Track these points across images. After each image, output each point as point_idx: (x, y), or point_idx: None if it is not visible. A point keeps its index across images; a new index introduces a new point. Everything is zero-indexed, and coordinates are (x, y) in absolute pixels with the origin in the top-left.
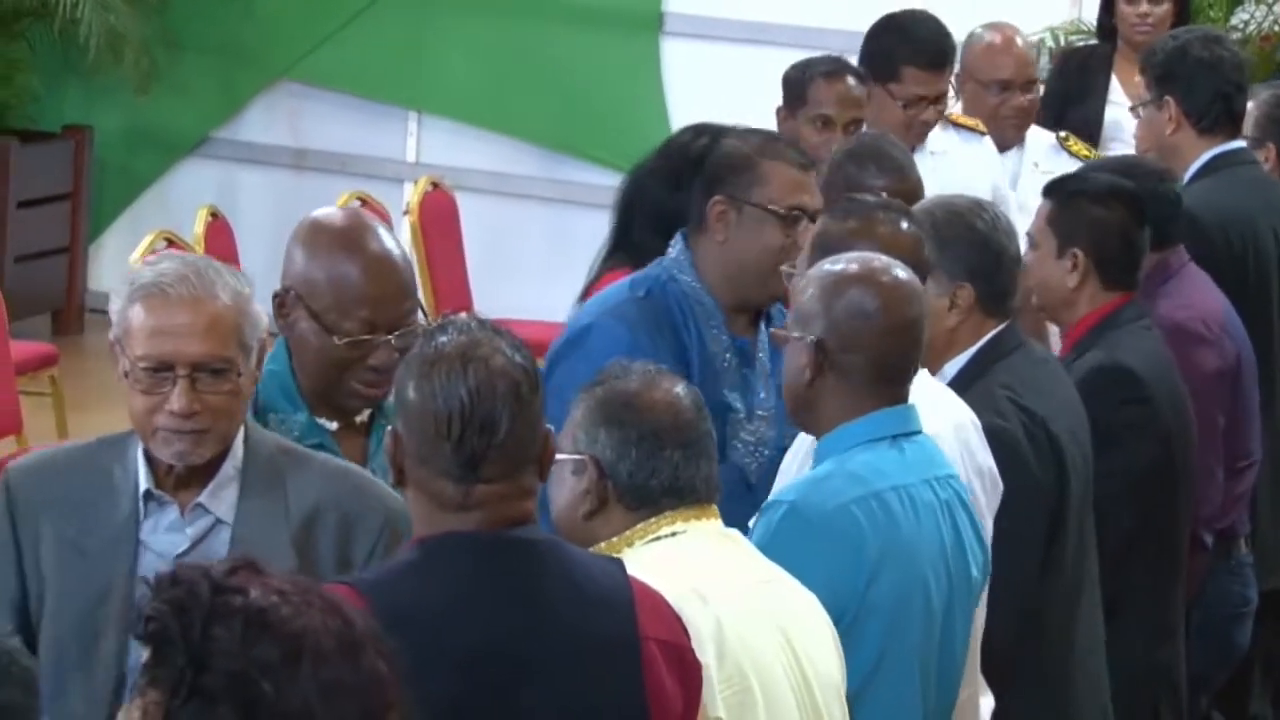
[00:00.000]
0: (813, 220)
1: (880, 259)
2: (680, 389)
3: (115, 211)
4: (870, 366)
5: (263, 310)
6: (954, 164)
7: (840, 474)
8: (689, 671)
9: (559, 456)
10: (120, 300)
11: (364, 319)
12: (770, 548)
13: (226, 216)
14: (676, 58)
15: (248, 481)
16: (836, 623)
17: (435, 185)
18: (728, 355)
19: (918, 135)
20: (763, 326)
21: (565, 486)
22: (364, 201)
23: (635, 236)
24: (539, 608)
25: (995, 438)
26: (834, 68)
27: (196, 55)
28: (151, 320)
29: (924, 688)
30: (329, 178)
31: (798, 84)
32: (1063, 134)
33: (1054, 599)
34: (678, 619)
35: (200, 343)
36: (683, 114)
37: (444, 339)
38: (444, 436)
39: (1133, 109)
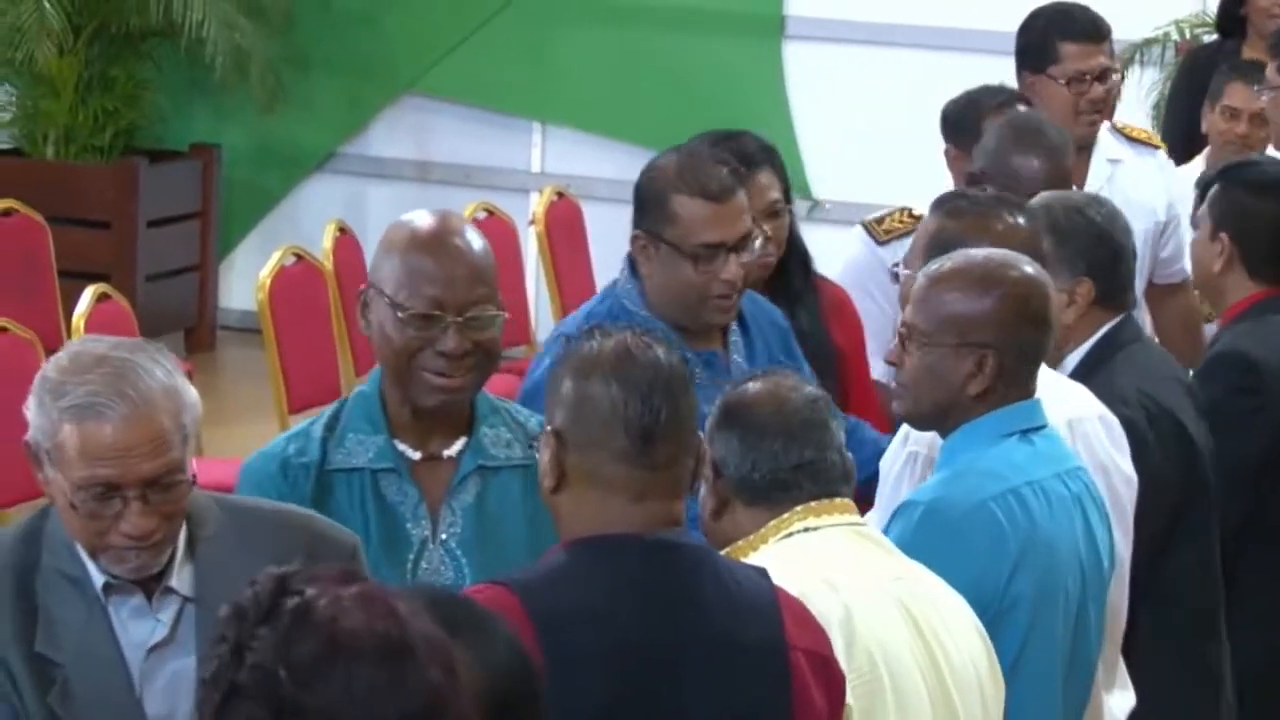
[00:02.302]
0: (732, 250)
1: (1010, 256)
2: (795, 385)
3: (244, 229)
4: (1031, 364)
5: (191, 394)
6: (1129, 173)
7: (975, 471)
8: (834, 682)
9: None
10: (42, 411)
11: (431, 297)
12: (910, 549)
13: (354, 231)
14: (799, 61)
15: (200, 553)
16: (979, 619)
17: (560, 195)
18: (695, 371)
19: (1088, 123)
20: (735, 329)
21: (701, 494)
22: (490, 213)
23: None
24: (691, 611)
25: (1128, 427)
26: (1004, 99)
27: (321, 72)
28: (92, 445)
29: (1062, 682)
30: (454, 190)
31: (967, 121)
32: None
33: (1189, 587)
34: (822, 630)
35: (149, 460)
36: (806, 117)
37: (598, 342)
38: (619, 415)
39: (1260, 94)
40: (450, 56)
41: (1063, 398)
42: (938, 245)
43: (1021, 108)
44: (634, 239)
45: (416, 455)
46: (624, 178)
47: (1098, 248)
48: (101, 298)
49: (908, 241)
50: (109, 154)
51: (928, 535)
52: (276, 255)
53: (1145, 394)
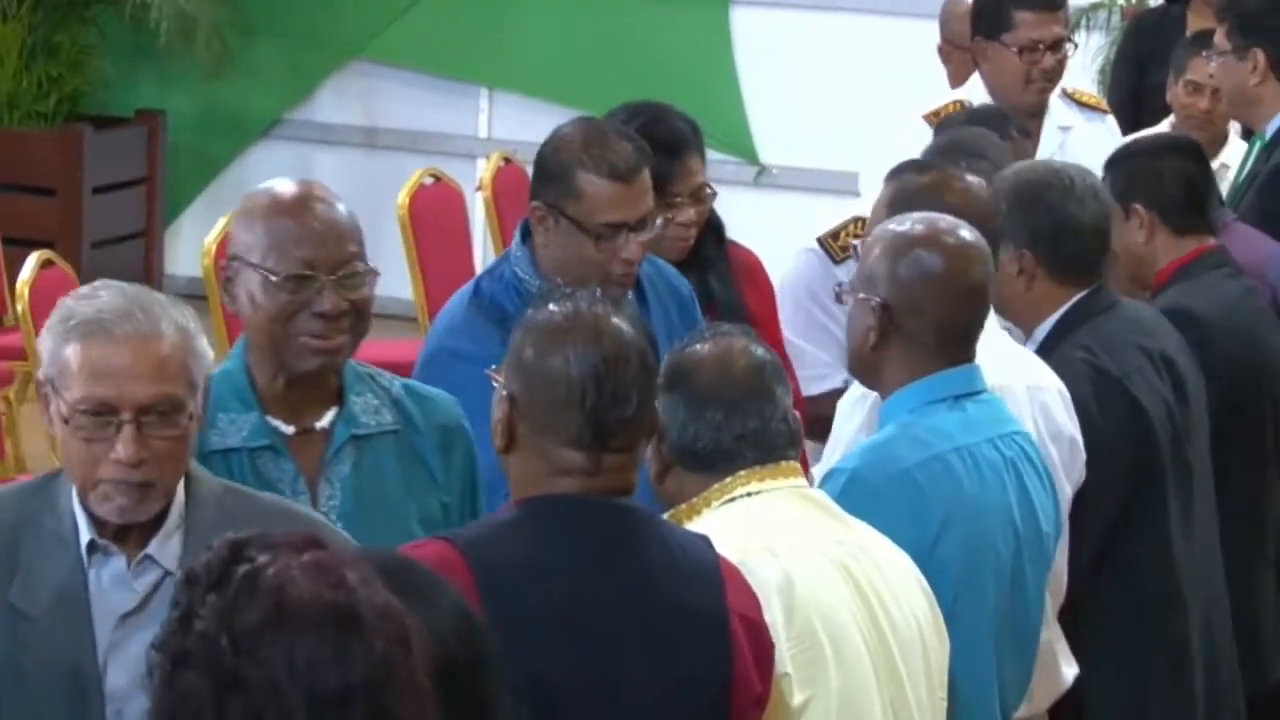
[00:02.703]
0: (633, 230)
1: (946, 219)
2: (743, 347)
3: (190, 195)
4: (935, 330)
5: (208, 350)
6: (1080, 139)
7: (900, 439)
8: (764, 649)
9: None
10: (52, 336)
11: (302, 258)
12: None
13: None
14: (746, 26)
15: (193, 529)
16: None
17: (508, 160)
18: None
19: (1038, 91)
20: (631, 296)
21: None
22: (437, 178)
23: None
24: (638, 575)
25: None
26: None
27: (267, 38)
28: (93, 360)
29: (1000, 648)
30: (402, 156)
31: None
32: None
33: (1150, 554)
34: (755, 595)
35: (148, 384)
36: (753, 83)
37: (569, 308)
38: (576, 405)
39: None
40: (397, 22)
41: (1024, 367)
42: (897, 203)
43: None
44: (533, 209)
45: (290, 430)
46: None
47: (1041, 221)
48: (46, 264)
49: None
50: (53, 120)
51: (851, 502)
52: (223, 221)
53: (1094, 366)
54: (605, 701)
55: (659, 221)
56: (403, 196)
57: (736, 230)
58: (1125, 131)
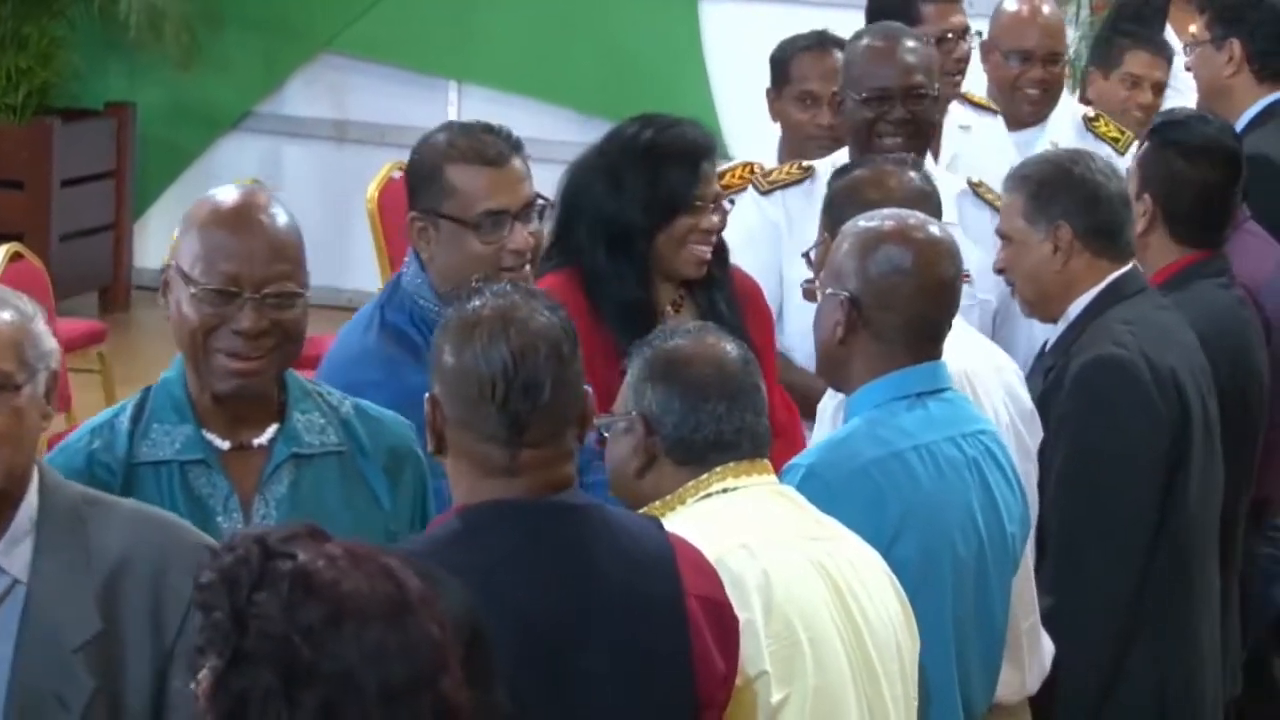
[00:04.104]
0: (517, 218)
1: (916, 215)
2: (727, 344)
3: (159, 188)
4: (904, 326)
5: (49, 337)
6: (978, 139)
7: (859, 435)
8: (727, 627)
9: (599, 418)
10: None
11: (226, 272)
12: None
13: (270, 190)
14: (715, 20)
15: (44, 535)
16: None
17: None
18: None
19: (953, 82)
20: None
21: (618, 445)
22: (405, 172)
23: (576, 236)
24: (586, 571)
25: (1116, 366)
26: (817, 41)
27: (237, 30)
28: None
29: (962, 649)
30: (371, 149)
31: (781, 63)
32: (1091, 114)
33: (1174, 542)
34: (715, 575)
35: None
36: (722, 75)
37: (479, 302)
38: (488, 399)
39: (1185, 47)
40: (367, 15)
41: (984, 349)
42: (836, 204)
43: (836, 53)
44: (411, 222)
45: (225, 445)
46: (542, 137)
47: (1071, 191)
48: (15, 257)
49: (792, 190)
50: (22, 113)
51: (808, 498)
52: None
53: (1145, 340)
54: (568, 701)
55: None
56: (372, 189)
57: None
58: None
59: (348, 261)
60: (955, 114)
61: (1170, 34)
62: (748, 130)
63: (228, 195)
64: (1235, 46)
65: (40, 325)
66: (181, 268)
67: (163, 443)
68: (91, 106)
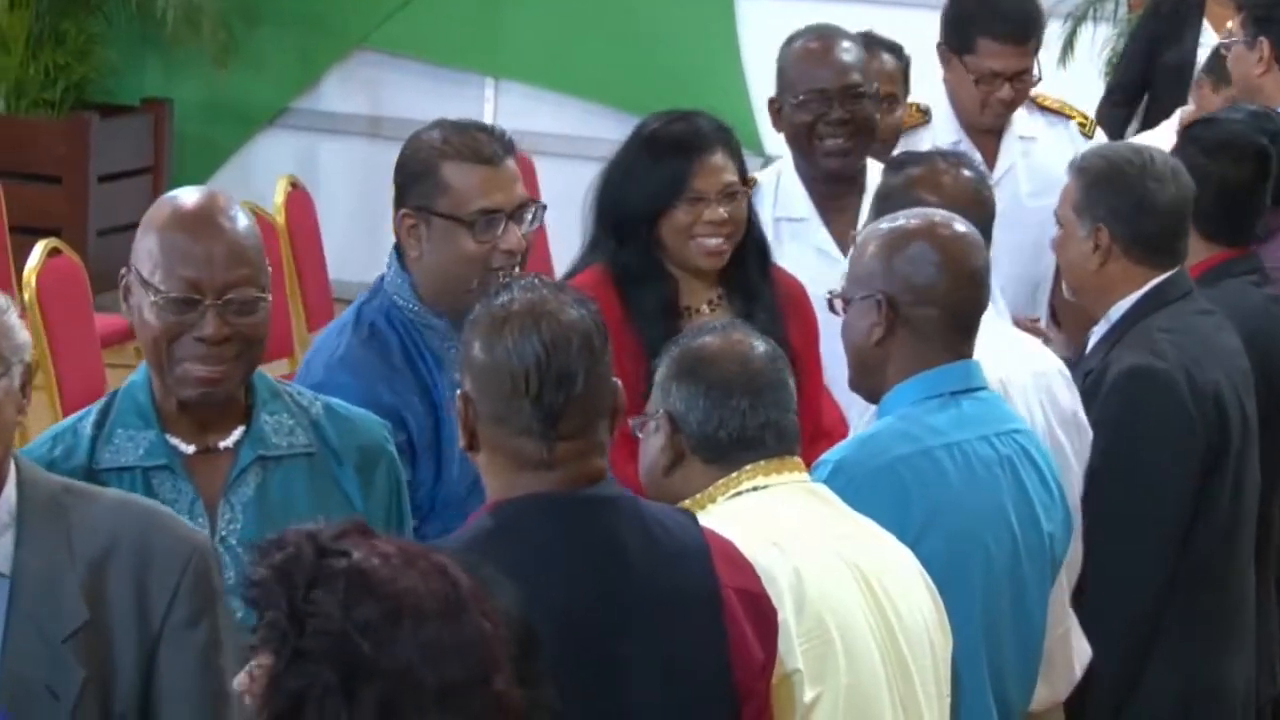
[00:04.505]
0: (510, 218)
1: (940, 213)
2: (754, 339)
3: (196, 183)
4: (942, 320)
5: (22, 329)
6: (1043, 149)
7: (889, 432)
8: (765, 618)
9: (632, 419)
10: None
11: (187, 278)
12: None
13: (306, 186)
14: (751, 14)
15: (24, 527)
16: None
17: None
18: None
19: (995, 115)
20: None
21: (649, 444)
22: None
23: (598, 232)
24: (622, 565)
25: (1150, 376)
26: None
27: (273, 26)
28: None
29: (996, 648)
30: None
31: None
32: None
33: (1209, 546)
34: (751, 567)
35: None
36: (759, 71)
37: (508, 298)
38: (522, 393)
39: (1221, 47)
40: (402, 11)
41: (1024, 353)
42: (885, 203)
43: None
44: (401, 219)
45: (190, 449)
46: (577, 133)
47: (1118, 196)
48: (53, 253)
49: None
50: (60, 109)
51: (835, 492)
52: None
53: (1184, 350)
54: (606, 693)
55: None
56: None
57: None
58: (1124, 111)
59: (383, 257)
60: (1020, 123)
61: (1207, 29)
62: None
63: (188, 197)
64: (1265, 46)
65: (13, 318)
66: (141, 273)
67: (126, 448)
68: (128, 102)
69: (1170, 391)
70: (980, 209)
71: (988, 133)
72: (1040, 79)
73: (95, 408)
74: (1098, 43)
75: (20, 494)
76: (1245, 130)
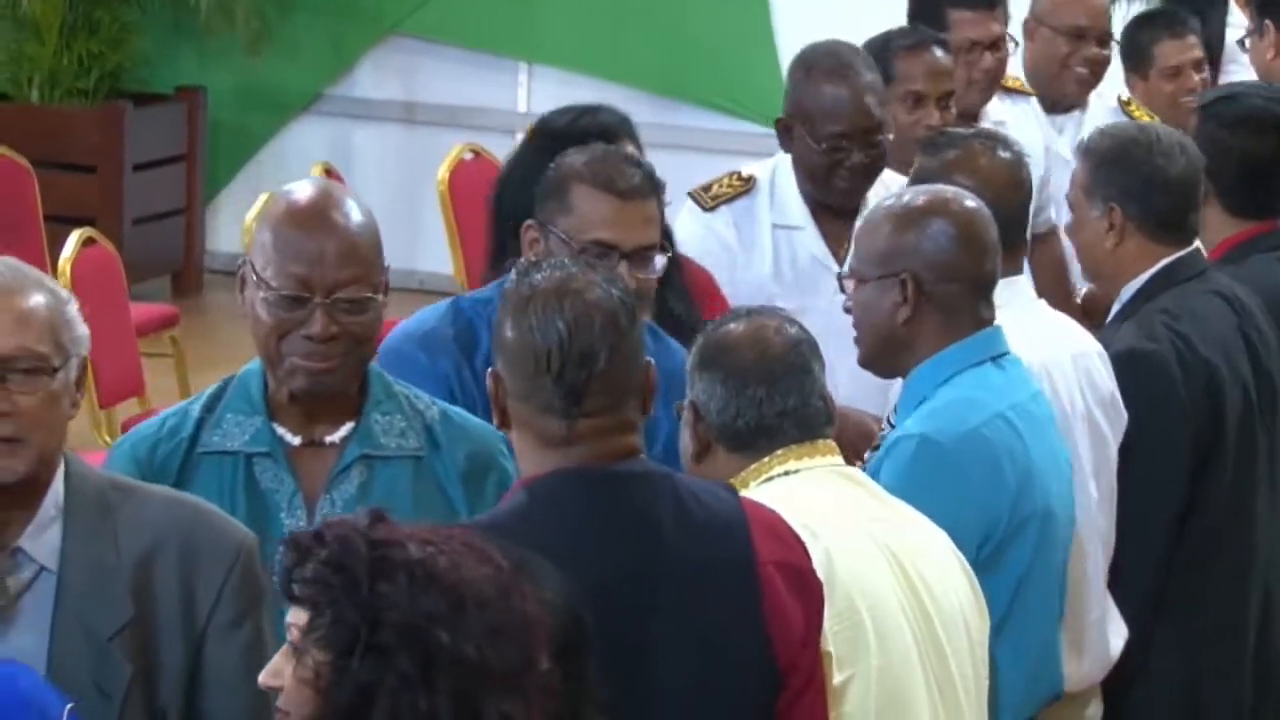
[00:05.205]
0: (625, 257)
1: (948, 189)
2: (777, 326)
3: (230, 172)
4: (967, 293)
5: (82, 323)
6: (1014, 131)
7: (959, 400)
8: (810, 593)
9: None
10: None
11: (297, 276)
12: (907, 484)
13: (340, 173)
14: None
15: (72, 521)
16: (985, 544)
17: None
18: None
19: (981, 91)
20: None
21: (683, 434)
22: (476, 154)
23: (505, 237)
24: (654, 540)
25: (1143, 359)
26: (917, 40)
27: (306, 13)
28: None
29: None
30: (440, 131)
31: (880, 61)
32: (1125, 98)
33: (1211, 522)
34: (798, 540)
35: (9, 336)
36: (793, 54)
37: (538, 276)
38: (544, 371)
39: (1240, 41)
40: None
41: (1064, 335)
42: (921, 183)
43: (937, 51)
44: (525, 230)
45: (296, 440)
46: None
47: (1129, 175)
48: (88, 242)
49: (736, 205)
50: (94, 97)
51: (925, 467)
52: (263, 198)
53: (1179, 334)
54: (640, 667)
55: (658, 262)
56: (442, 172)
57: None
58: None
59: (418, 244)
60: (992, 110)
61: (1234, 9)
62: None
63: (303, 191)
64: (1272, 30)
65: (73, 311)
66: (254, 266)
67: (233, 433)
68: (162, 91)
69: (1162, 373)
70: (1017, 191)
71: (967, 117)
72: (1019, 45)
73: (208, 391)
74: (1126, 19)
75: (68, 489)
76: (1266, 104)
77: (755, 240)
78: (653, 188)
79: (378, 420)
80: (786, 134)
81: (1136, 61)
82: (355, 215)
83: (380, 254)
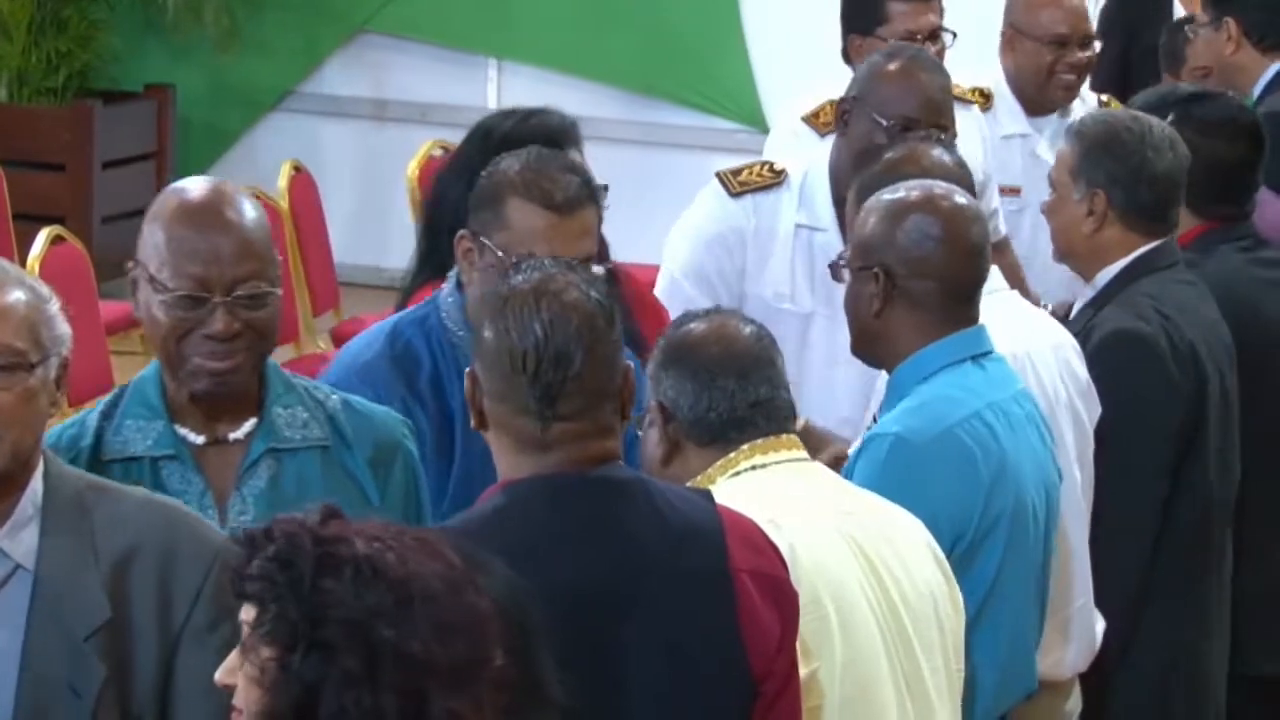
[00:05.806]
0: None
1: (940, 184)
2: (739, 322)
3: (200, 169)
4: (940, 292)
5: (64, 323)
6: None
7: (936, 399)
8: (786, 601)
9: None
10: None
11: (194, 275)
12: (881, 481)
13: (310, 170)
14: None
15: (49, 521)
16: (958, 544)
17: None
18: None
19: None
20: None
21: (646, 440)
22: (447, 150)
23: (441, 244)
24: (626, 545)
25: (1136, 340)
26: None
27: (276, 11)
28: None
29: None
30: (410, 128)
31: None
32: (1104, 98)
33: (1191, 510)
34: (774, 549)
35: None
36: (762, 50)
37: (519, 278)
38: (520, 371)
39: (1189, 29)
40: None
41: (1041, 327)
42: (865, 189)
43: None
44: (458, 240)
45: (200, 440)
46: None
47: (1118, 162)
48: (56, 240)
49: (762, 197)
50: (63, 96)
51: (899, 465)
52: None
53: (1166, 316)
54: (612, 675)
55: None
56: (412, 168)
57: None
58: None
59: (388, 241)
60: None
61: (1179, 11)
62: (787, 105)
63: (193, 190)
64: (1231, 25)
65: (55, 310)
66: (148, 269)
67: (134, 439)
68: (131, 89)
69: (1154, 354)
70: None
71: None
72: (956, 37)
73: (105, 399)
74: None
75: (46, 488)
76: (1239, 110)
77: (774, 235)
78: (590, 195)
79: (280, 414)
80: (844, 120)
81: (1172, 62)
82: (248, 210)
83: (273, 248)
